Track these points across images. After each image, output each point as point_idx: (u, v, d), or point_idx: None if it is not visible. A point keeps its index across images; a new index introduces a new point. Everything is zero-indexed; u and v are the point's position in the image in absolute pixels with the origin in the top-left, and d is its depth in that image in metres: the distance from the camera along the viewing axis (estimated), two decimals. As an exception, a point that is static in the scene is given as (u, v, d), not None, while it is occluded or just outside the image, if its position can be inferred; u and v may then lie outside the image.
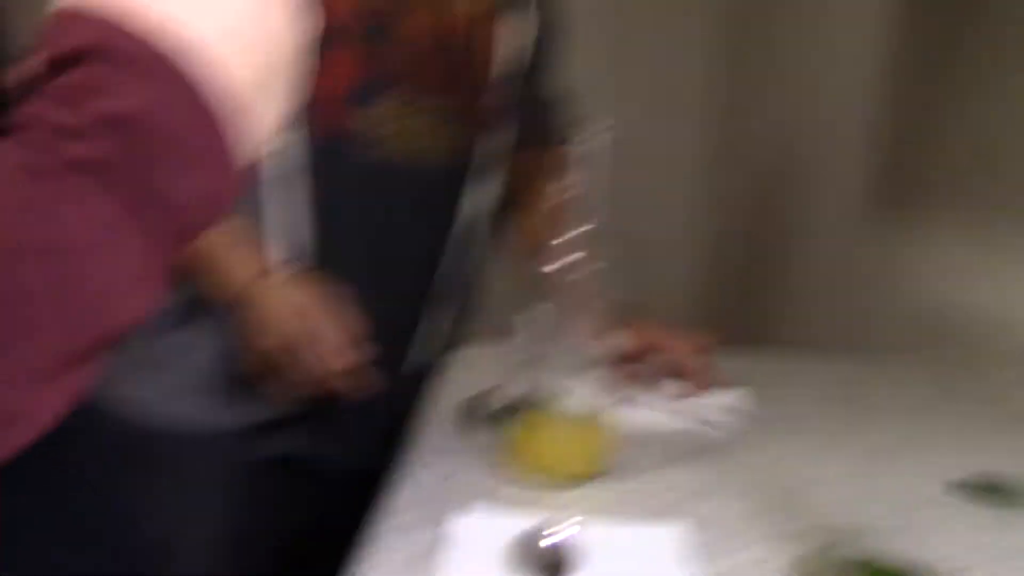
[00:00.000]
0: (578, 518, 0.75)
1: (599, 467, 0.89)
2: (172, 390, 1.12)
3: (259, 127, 0.38)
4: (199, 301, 1.09)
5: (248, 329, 1.06)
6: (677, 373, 1.10)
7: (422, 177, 1.18)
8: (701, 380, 1.10)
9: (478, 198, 1.24)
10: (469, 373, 1.20)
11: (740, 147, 2.66)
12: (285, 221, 1.10)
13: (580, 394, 0.86)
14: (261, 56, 0.37)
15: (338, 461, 1.21)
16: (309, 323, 1.06)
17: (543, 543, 0.68)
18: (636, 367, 1.10)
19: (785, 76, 2.33)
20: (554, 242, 0.86)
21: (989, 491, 0.89)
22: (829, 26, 2.04)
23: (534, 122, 1.34)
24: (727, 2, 2.86)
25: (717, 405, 1.08)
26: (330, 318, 1.07)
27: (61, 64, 0.34)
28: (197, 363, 1.12)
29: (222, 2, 0.36)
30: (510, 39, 1.24)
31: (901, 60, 1.68)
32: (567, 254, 0.86)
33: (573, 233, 0.86)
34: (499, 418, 1.02)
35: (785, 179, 2.28)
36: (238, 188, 0.37)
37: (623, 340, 0.86)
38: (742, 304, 2.55)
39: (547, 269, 0.87)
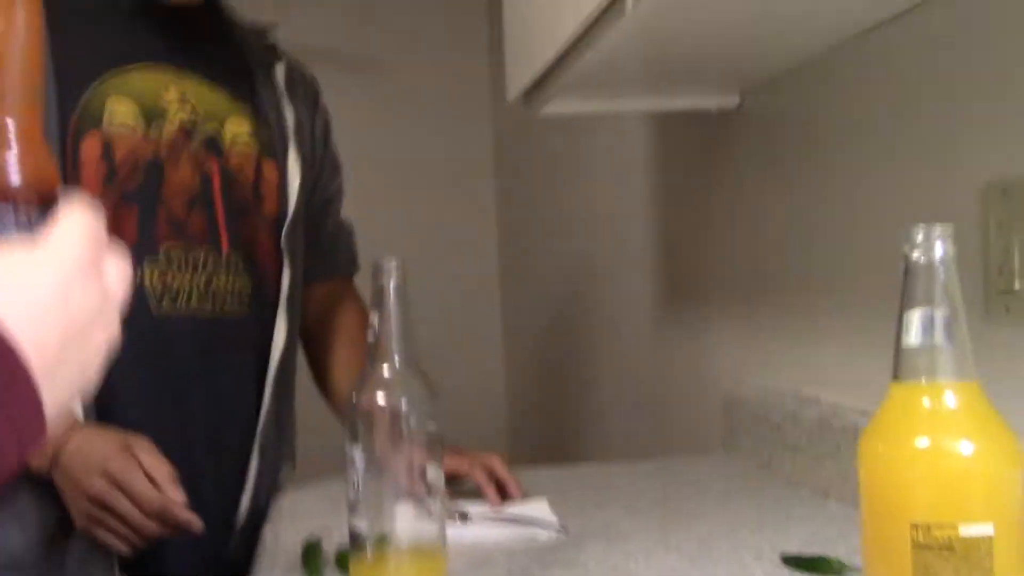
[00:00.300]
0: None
1: None
2: None
3: (62, 384, 0.44)
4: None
5: (73, 478, 1.01)
6: (484, 490, 1.17)
7: (212, 326, 1.16)
8: (508, 491, 1.16)
9: (283, 338, 1.23)
10: (301, 516, 1.18)
11: (529, 276, 2.76)
12: None
13: (411, 525, 0.86)
14: (62, 325, 0.44)
15: None
16: (134, 457, 1.02)
17: None
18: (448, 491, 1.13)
19: (567, 207, 2.44)
20: (364, 380, 0.87)
21: (813, 564, 0.94)
22: (604, 158, 2.18)
23: (321, 255, 1.36)
24: (509, 144, 3.00)
25: (530, 513, 1.12)
26: (150, 454, 1.04)
27: None
28: (11, 540, 1.05)
29: (24, 279, 0.43)
30: (285, 179, 1.25)
31: (670, 181, 1.81)
32: (378, 391, 0.87)
33: (381, 370, 0.87)
34: (336, 559, 1.00)
35: (574, 299, 2.38)
36: (39, 435, 0.41)
37: (439, 468, 0.89)
38: (546, 424, 2.60)
39: (360, 406, 0.87)
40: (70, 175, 1.06)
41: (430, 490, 0.87)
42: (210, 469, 1.17)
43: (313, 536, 1.06)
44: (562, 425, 2.46)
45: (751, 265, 1.47)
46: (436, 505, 0.87)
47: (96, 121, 1.09)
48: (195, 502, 1.09)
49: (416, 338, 0.88)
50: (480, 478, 1.18)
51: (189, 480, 1.09)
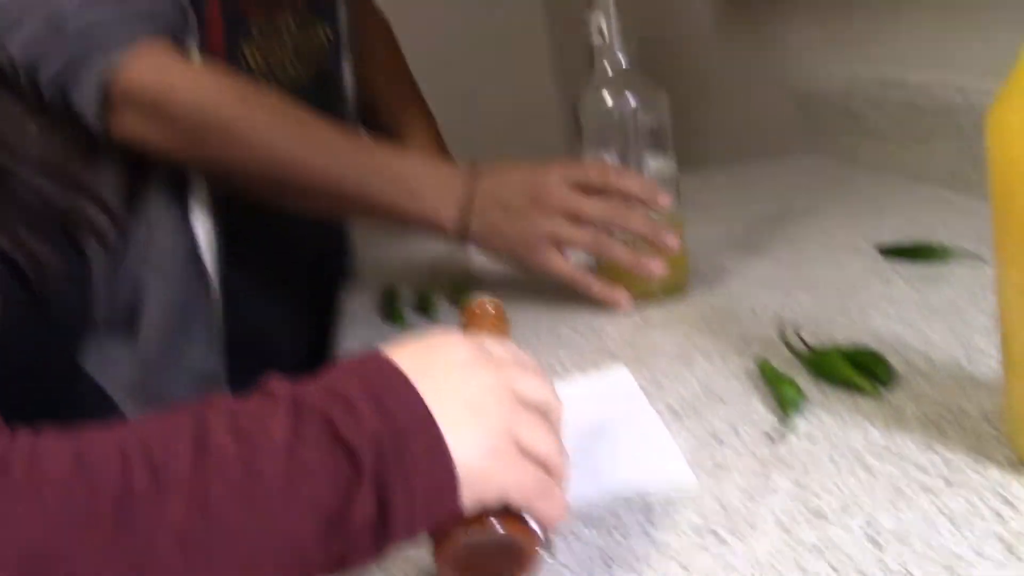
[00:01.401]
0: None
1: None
2: None
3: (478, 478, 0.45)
4: None
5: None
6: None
7: (313, 88, 1.08)
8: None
9: (352, 78, 1.15)
10: (378, 272, 1.16)
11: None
12: None
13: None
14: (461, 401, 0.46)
15: None
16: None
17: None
18: None
19: None
20: (589, 81, 0.89)
21: (914, 252, 0.89)
22: None
23: None
24: None
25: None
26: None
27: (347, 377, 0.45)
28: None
29: (444, 379, 0.46)
30: None
31: None
32: (605, 89, 0.89)
33: (606, 70, 0.90)
34: (418, 303, 0.98)
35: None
36: (450, 504, 0.44)
37: (667, 161, 0.91)
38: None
39: (587, 106, 0.90)
40: None
41: (662, 182, 0.89)
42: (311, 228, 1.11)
43: (391, 285, 1.04)
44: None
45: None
46: (670, 195, 0.89)
47: None
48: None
49: (635, 41, 0.91)
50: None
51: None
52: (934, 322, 0.74)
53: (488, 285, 1.01)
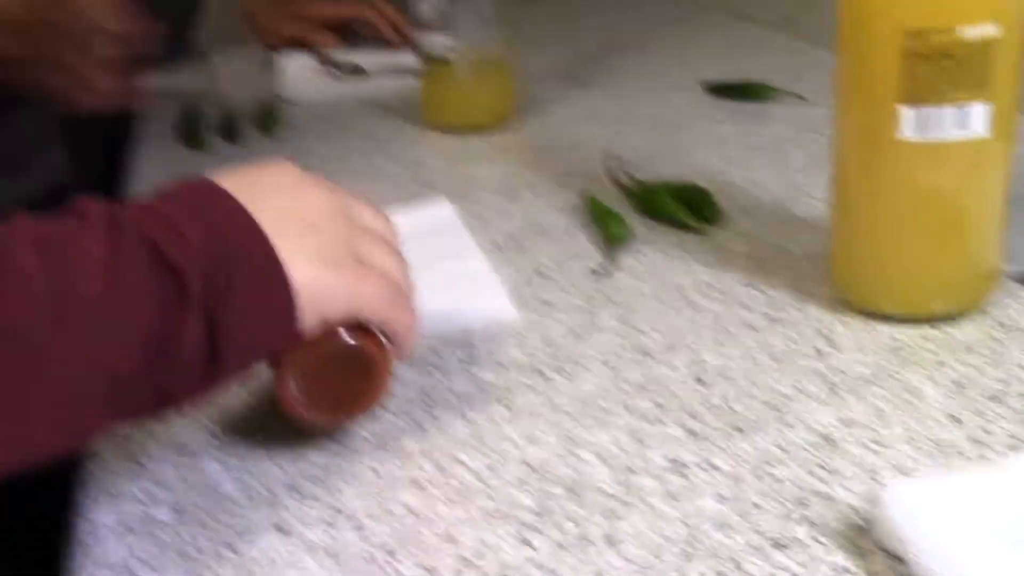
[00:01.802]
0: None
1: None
2: None
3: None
4: None
5: None
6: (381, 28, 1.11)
7: None
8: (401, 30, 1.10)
9: None
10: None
11: None
12: None
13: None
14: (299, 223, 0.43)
15: None
16: None
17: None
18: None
19: None
20: None
21: (740, 91, 0.88)
22: None
23: None
24: None
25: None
26: None
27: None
28: None
29: (274, 200, 0.43)
30: None
31: None
32: None
33: None
34: (220, 128, 0.91)
35: None
36: (292, 329, 0.41)
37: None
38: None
39: None
40: None
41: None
42: None
43: (193, 107, 0.96)
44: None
45: None
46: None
47: None
48: None
49: None
50: (374, 16, 1.10)
51: None
52: (758, 160, 0.74)
53: (298, 110, 0.94)
